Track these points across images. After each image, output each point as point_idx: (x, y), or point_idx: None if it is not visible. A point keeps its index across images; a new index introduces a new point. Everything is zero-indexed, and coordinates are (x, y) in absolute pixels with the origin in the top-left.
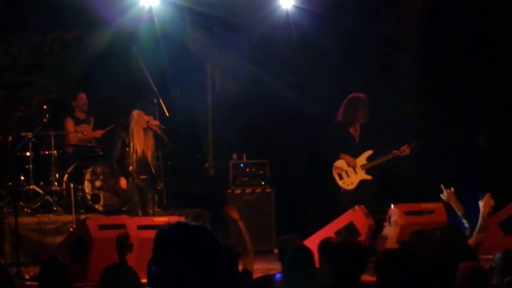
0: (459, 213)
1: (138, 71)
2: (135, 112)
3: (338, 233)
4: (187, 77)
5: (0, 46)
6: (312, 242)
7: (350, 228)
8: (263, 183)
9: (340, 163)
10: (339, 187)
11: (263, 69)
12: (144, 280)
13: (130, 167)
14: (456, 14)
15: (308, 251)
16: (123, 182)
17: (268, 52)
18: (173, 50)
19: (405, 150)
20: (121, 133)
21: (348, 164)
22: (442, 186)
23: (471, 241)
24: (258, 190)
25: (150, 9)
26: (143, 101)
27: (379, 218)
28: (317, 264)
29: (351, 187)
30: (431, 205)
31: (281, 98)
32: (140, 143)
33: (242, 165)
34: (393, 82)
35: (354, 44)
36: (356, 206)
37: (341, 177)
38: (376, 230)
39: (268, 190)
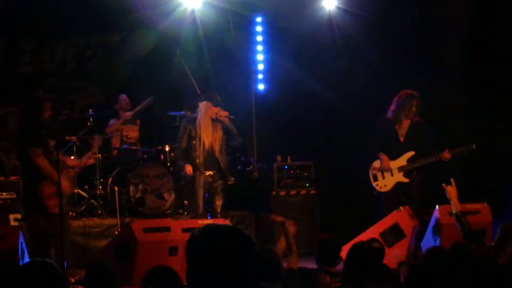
0: (454, 211)
1: (181, 74)
2: (203, 104)
3: (382, 234)
4: (230, 79)
5: (44, 52)
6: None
7: (395, 229)
8: (307, 184)
9: (377, 164)
10: (373, 189)
11: (306, 70)
12: None
13: (197, 160)
14: (505, 12)
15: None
16: (188, 168)
17: (311, 53)
18: (216, 52)
19: (445, 155)
20: (187, 125)
21: (381, 165)
22: (444, 185)
23: None
24: (303, 192)
25: (193, 11)
26: (211, 92)
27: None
28: None
29: (384, 189)
30: (476, 206)
31: (324, 99)
32: (208, 136)
33: (286, 167)
34: (438, 84)
35: (397, 45)
36: (400, 207)
37: (375, 178)
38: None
39: (312, 192)
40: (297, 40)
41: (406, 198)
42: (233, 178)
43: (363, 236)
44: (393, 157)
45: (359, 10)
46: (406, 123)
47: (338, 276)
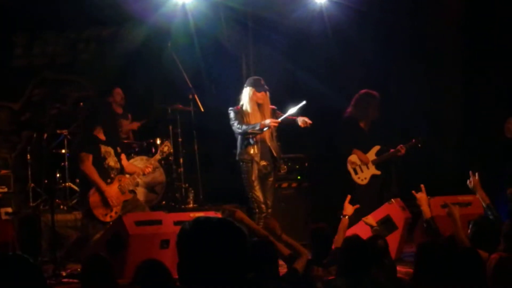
0: (484, 204)
1: (172, 67)
2: (247, 90)
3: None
4: (221, 73)
5: (36, 45)
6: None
7: (387, 222)
8: (299, 177)
9: (354, 158)
10: (353, 182)
11: (298, 63)
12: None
13: (252, 150)
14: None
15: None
16: (272, 121)
17: (302, 46)
18: (207, 46)
19: (400, 150)
20: (237, 113)
21: (361, 160)
22: (471, 172)
23: None
24: (294, 184)
25: (183, 5)
26: (254, 77)
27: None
28: None
29: (364, 182)
30: (467, 197)
31: (316, 92)
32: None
33: None
34: (429, 76)
35: (388, 38)
36: (392, 199)
37: (356, 172)
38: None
39: (304, 184)
40: (288, 33)
41: (382, 189)
42: (285, 167)
43: (356, 228)
44: (363, 151)
45: (350, 2)
46: (367, 119)
47: (331, 268)
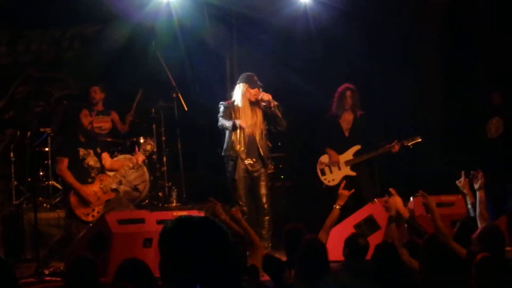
0: (469, 202)
1: (157, 66)
2: (240, 86)
3: (357, 226)
4: (206, 71)
5: (20, 43)
6: (331, 235)
7: (370, 221)
8: (282, 177)
9: (324, 158)
10: (321, 183)
11: (282, 63)
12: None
13: (238, 147)
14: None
15: (322, 245)
16: (241, 122)
17: (286, 46)
18: (191, 44)
19: (394, 146)
20: (227, 107)
21: (330, 160)
22: (463, 172)
23: None
24: (278, 184)
25: (168, 3)
26: (248, 74)
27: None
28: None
29: (332, 183)
30: (450, 198)
31: (300, 92)
32: (247, 121)
33: None
34: (413, 75)
35: (373, 37)
36: (375, 199)
37: (323, 173)
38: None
39: (287, 184)
40: (272, 32)
41: (356, 191)
42: (272, 167)
43: (338, 228)
44: (339, 151)
45: (333, 2)
46: (349, 118)
47: None
